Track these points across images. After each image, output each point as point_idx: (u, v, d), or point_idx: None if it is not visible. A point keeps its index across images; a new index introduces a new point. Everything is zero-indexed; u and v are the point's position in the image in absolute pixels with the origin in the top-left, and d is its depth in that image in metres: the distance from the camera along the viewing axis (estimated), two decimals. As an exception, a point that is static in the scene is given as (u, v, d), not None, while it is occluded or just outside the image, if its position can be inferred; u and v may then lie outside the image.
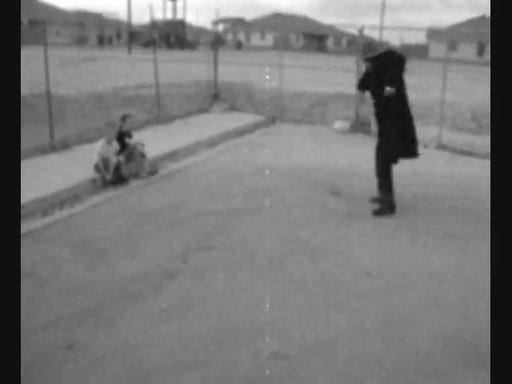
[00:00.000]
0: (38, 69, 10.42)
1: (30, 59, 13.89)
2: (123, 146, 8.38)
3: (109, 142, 8.10)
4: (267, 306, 4.55)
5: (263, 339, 4.04)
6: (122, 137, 8.44)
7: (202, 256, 5.52)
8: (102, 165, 7.93)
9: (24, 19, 63.62)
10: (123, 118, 8.68)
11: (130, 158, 8.36)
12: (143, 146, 8.55)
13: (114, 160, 7.97)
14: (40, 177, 7.76)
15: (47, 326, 4.16)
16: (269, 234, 6.19)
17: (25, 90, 12.30)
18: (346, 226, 6.54)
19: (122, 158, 8.17)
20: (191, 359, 3.80)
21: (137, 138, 8.85)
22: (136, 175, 8.34)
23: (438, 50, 57.65)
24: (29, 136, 9.85)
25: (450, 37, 51.35)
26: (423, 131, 12.59)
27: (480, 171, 9.58)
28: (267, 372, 3.66)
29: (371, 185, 8.33)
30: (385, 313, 4.49)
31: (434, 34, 61.46)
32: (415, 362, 3.84)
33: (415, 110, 15.05)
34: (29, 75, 12.47)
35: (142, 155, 8.48)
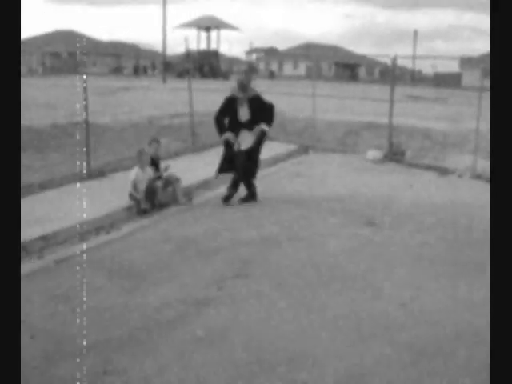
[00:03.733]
0: (75, 98, 10.69)
1: (69, 88, 14.22)
2: (157, 170, 8.52)
3: (142, 169, 8.25)
4: (301, 335, 4.54)
5: (297, 370, 4.03)
6: (153, 162, 8.57)
7: (236, 284, 5.55)
8: (139, 193, 8.07)
9: (64, 51, 65.56)
10: (150, 143, 8.85)
11: (167, 183, 8.48)
12: (169, 167, 8.71)
13: (143, 187, 8.10)
14: (77, 203, 7.91)
15: (83, 351, 4.22)
16: (303, 263, 6.19)
17: (64, 119, 12.69)
18: (379, 257, 6.50)
19: (159, 183, 8.29)
20: (225, 387, 3.80)
21: (164, 164, 8.95)
22: (172, 202, 8.44)
23: (471, 78, 57.26)
24: (66, 163, 10.12)
25: (483, 65, 51.00)
26: (458, 160, 12.53)
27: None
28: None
29: (405, 213, 8.30)
30: (419, 345, 4.43)
31: (466, 62, 61.16)
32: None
33: (449, 140, 14.92)
34: (67, 104, 12.84)
35: (178, 179, 8.59)
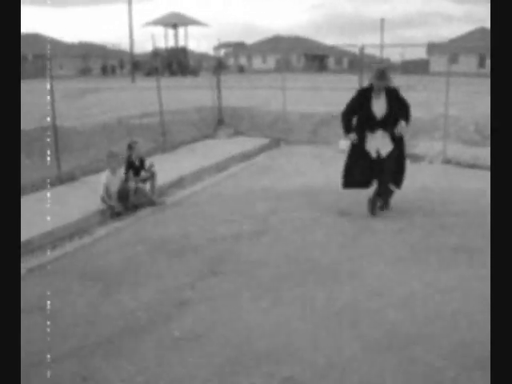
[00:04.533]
0: (43, 102, 10.54)
1: (36, 92, 13.98)
2: (137, 173, 8.43)
3: (113, 173, 8.16)
4: (280, 330, 4.54)
5: (275, 364, 4.03)
6: (132, 165, 8.47)
7: (211, 282, 5.53)
8: (111, 196, 8.00)
9: (29, 54, 64.76)
10: (130, 146, 8.68)
11: (142, 182, 8.43)
12: (153, 166, 8.63)
13: (115, 189, 8.03)
14: (48, 209, 7.81)
15: (60, 359, 4.17)
16: (277, 256, 6.19)
17: (32, 124, 12.49)
18: (353, 246, 6.53)
19: (132, 185, 8.21)
20: (205, 387, 3.79)
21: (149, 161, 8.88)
22: (146, 203, 8.37)
23: (438, 64, 57.86)
24: (36, 169, 9.97)
25: (451, 50, 51.63)
26: (428, 146, 12.65)
27: (485, 184, 9.55)
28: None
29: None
30: (396, 333, 4.46)
31: (434, 48, 61.73)
32: (427, 378, 3.81)
33: (419, 126, 15.10)
34: (35, 108, 12.63)
35: (153, 174, 8.54)
